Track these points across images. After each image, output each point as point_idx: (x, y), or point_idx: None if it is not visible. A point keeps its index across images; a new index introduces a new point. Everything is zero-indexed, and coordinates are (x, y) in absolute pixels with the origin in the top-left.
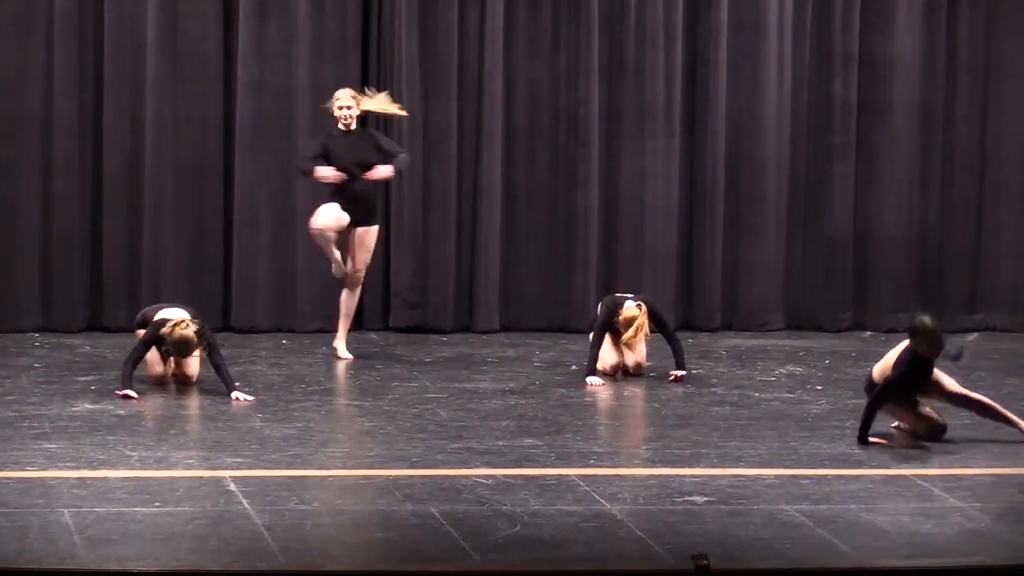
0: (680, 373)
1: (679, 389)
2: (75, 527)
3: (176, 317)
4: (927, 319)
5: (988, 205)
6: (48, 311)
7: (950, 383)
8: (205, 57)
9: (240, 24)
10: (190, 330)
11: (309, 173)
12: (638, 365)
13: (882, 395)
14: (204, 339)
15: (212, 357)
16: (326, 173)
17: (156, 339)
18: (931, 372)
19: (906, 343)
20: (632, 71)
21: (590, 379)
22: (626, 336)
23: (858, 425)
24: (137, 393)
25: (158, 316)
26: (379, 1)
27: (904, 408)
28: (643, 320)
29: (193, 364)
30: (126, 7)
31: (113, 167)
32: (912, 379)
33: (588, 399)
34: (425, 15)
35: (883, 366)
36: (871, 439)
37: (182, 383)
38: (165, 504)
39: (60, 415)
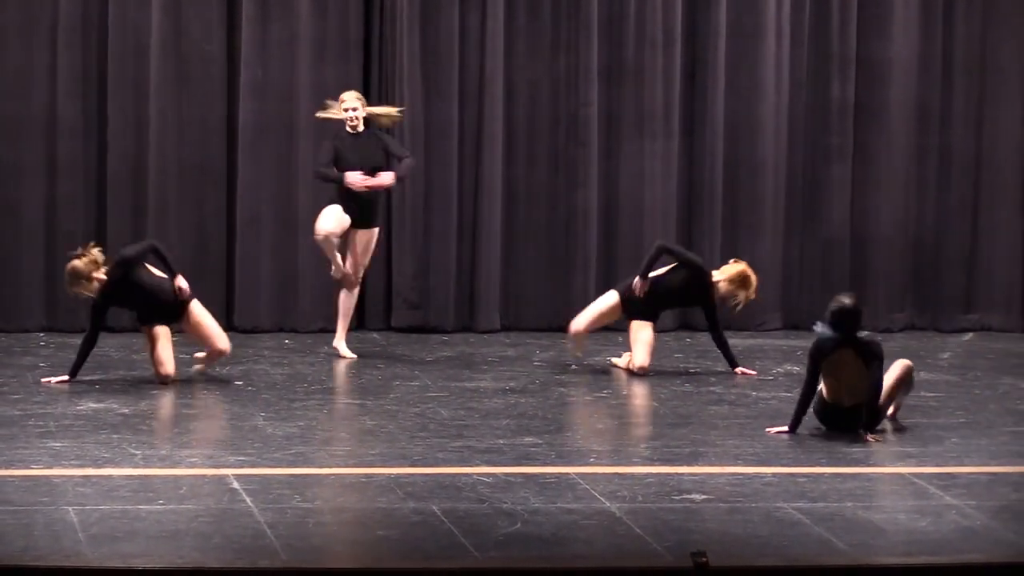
0: (750, 372)
1: (678, 388)
2: (80, 525)
3: None
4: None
5: (984, 206)
6: (53, 311)
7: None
8: (208, 59)
9: (243, 26)
10: (79, 260)
11: (337, 179)
12: (643, 368)
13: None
14: (118, 265)
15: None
16: (355, 179)
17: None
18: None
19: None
20: (631, 73)
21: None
22: (749, 294)
23: (866, 421)
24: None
25: None
26: (380, 3)
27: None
28: (751, 275)
29: (216, 335)
30: (130, 10)
31: (117, 168)
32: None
33: (588, 398)
34: (426, 17)
35: (850, 383)
36: (869, 437)
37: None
38: (169, 502)
39: (65, 414)
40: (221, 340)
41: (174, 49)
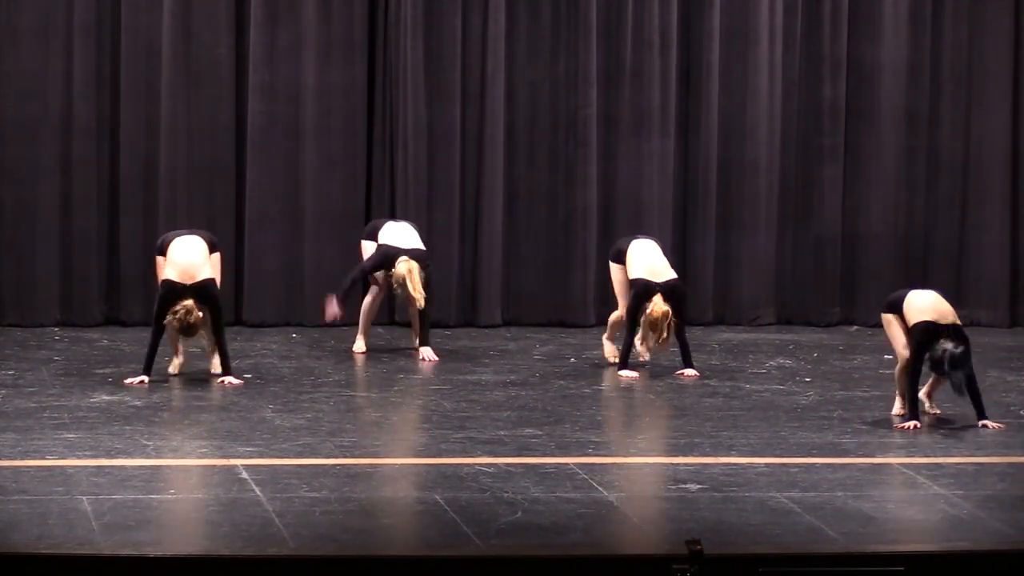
0: (690, 372)
1: (674, 381)
2: (93, 513)
3: (184, 301)
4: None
5: (971, 204)
6: (67, 306)
7: None
8: (217, 62)
9: (251, 30)
10: (194, 316)
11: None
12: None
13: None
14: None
15: (215, 327)
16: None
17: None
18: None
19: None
20: (629, 75)
21: (624, 373)
22: (651, 336)
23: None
24: (151, 382)
25: (170, 254)
26: (384, 7)
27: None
28: (671, 321)
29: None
30: (141, 15)
31: (129, 168)
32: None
33: (586, 390)
34: (430, 21)
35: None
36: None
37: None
38: (180, 491)
39: (79, 406)
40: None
41: (184, 52)
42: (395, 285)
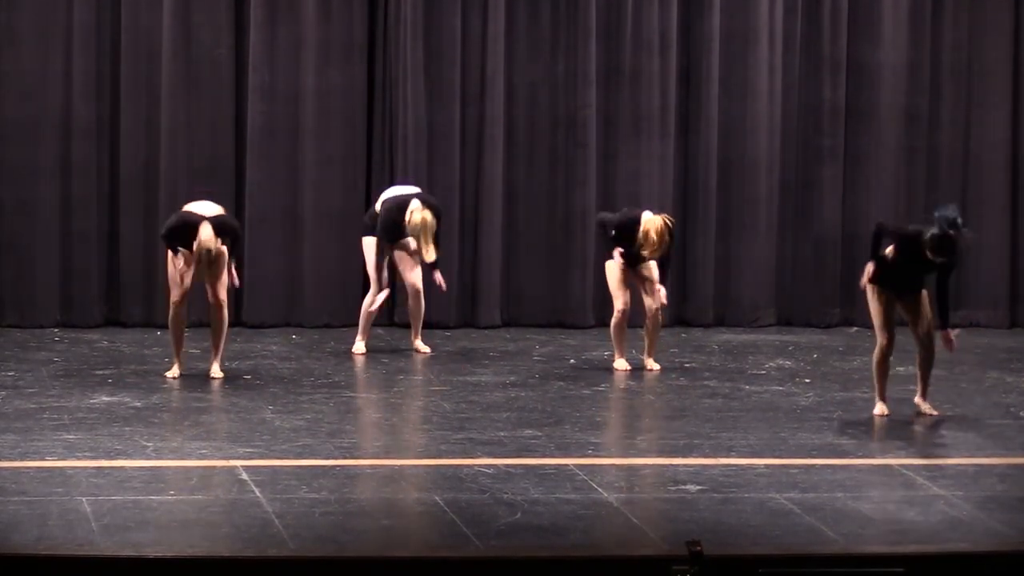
0: (662, 293)
1: (674, 382)
2: (93, 515)
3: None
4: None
5: (971, 205)
6: (67, 307)
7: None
8: (217, 63)
9: (251, 31)
10: (215, 247)
11: None
12: (656, 311)
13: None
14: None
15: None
16: None
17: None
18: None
19: None
20: (628, 76)
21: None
22: (649, 252)
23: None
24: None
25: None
26: (384, 8)
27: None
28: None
29: (222, 285)
30: (142, 16)
31: (129, 169)
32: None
33: (586, 392)
34: (429, 21)
35: None
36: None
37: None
38: (180, 492)
39: (79, 407)
40: (223, 291)
41: (184, 53)
42: (409, 232)
